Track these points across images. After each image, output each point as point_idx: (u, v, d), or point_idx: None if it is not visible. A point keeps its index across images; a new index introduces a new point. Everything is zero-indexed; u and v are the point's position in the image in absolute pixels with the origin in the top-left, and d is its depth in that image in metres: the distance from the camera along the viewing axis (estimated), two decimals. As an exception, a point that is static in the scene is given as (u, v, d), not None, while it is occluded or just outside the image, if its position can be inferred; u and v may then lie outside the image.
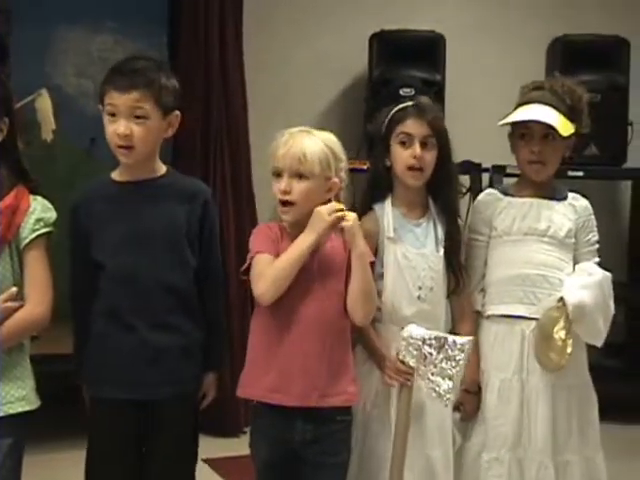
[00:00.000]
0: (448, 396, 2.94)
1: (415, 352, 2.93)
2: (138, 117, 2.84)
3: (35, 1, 6.29)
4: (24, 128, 5.29)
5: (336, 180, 2.92)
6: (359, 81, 6.22)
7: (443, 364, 2.92)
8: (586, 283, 3.17)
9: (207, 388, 3.05)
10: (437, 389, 2.93)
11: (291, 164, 2.85)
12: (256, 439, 2.98)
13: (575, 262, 3.27)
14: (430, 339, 2.92)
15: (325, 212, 2.81)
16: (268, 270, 2.84)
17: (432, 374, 2.93)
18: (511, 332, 3.22)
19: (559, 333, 3.11)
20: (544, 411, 3.17)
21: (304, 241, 2.82)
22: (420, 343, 2.93)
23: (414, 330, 2.95)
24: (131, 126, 2.84)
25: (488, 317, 3.27)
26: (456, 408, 3.20)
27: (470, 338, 2.98)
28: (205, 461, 3.09)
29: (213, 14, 5.56)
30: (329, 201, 2.90)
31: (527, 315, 3.19)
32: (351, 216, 2.87)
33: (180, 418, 2.95)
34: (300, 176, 2.85)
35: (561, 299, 3.14)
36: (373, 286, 2.96)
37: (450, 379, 2.91)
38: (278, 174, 2.88)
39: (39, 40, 6.35)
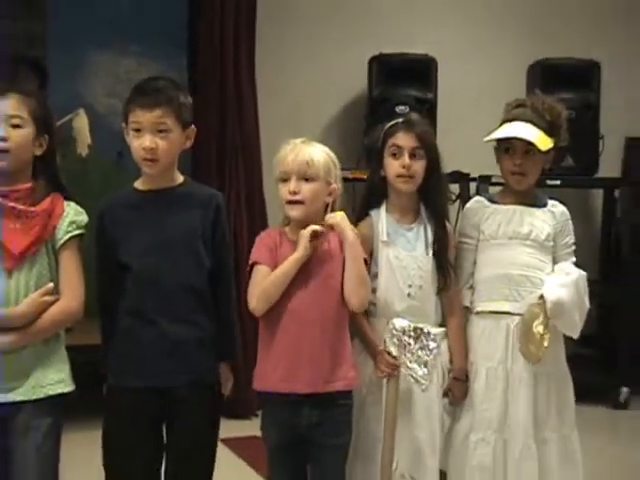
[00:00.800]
0: (424, 381, 2.99)
1: (397, 342, 2.98)
2: (161, 132, 2.84)
3: (68, 29, 6.31)
4: (61, 143, 5.35)
5: (335, 186, 2.96)
6: (359, 99, 6.23)
7: (419, 352, 2.98)
8: (564, 282, 3.17)
9: (224, 377, 3.03)
10: (414, 375, 2.98)
11: (299, 168, 2.89)
12: (267, 424, 2.99)
13: (554, 262, 3.27)
14: (409, 330, 2.98)
15: (305, 232, 2.84)
16: (259, 286, 2.89)
17: (410, 361, 2.98)
18: (497, 326, 3.21)
19: (538, 327, 3.12)
20: (526, 396, 3.17)
21: (293, 258, 2.86)
22: (401, 334, 2.98)
23: (397, 322, 2.99)
24: (155, 140, 2.84)
25: (477, 313, 3.26)
26: (445, 394, 3.19)
27: (442, 329, 3.06)
28: (222, 441, 3.08)
29: (228, 40, 5.57)
30: (327, 205, 2.95)
31: (511, 311, 3.19)
32: (339, 214, 2.93)
33: (197, 404, 2.92)
34: (307, 179, 2.89)
35: (541, 296, 3.15)
36: (365, 273, 2.97)
37: (425, 366, 2.97)
38: (286, 179, 2.90)
39: (72, 63, 6.38)
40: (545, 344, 3.12)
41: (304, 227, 2.90)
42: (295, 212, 2.91)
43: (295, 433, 2.92)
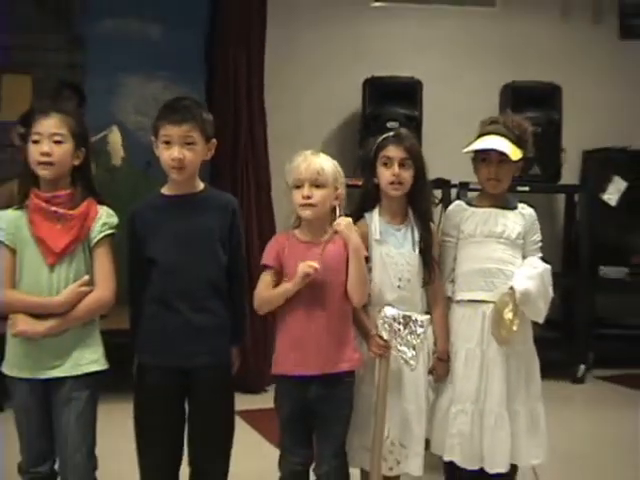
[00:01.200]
0: (412, 362, 2.97)
1: (388, 328, 2.96)
2: (188, 144, 2.85)
3: (102, 57, 6.31)
4: (96, 156, 5.34)
5: (341, 191, 2.97)
6: (355, 116, 6.21)
7: (408, 337, 2.96)
8: (531, 274, 3.17)
9: (234, 359, 3.06)
10: (404, 356, 2.97)
11: (311, 176, 2.90)
12: (280, 399, 3.00)
13: (523, 257, 3.26)
14: (399, 317, 2.96)
15: (300, 270, 2.84)
16: (261, 295, 2.94)
17: (400, 345, 2.96)
18: (475, 313, 3.20)
19: (508, 314, 3.11)
20: (499, 372, 3.17)
21: (286, 289, 2.89)
22: (392, 321, 2.96)
23: (388, 311, 2.98)
24: (183, 151, 2.84)
25: (457, 302, 3.26)
26: (430, 372, 3.19)
27: (428, 317, 3.02)
28: (236, 413, 3.07)
29: (241, 66, 5.57)
30: (334, 208, 2.97)
31: (487, 299, 3.19)
32: (345, 220, 2.95)
33: (215, 381, 2.94)
34: (318, 185, 2.89)
35: (511, 287, 3.14)
36: (366, 273, 2.98)
37: (414, 349, 2.95)
38: (299, 185, 2.91)
39: (107, 87, 6.37)
40: (514, 329, 3.11)
41: (315, 227, 2.95)
42: (308, 213, 2.92)
43: (304, 406, 2.94)
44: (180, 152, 2.84)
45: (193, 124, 2.85)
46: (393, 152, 3.10)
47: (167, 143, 2.86)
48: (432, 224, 3.22)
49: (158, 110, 2.94)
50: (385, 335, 2.97)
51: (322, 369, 2.91)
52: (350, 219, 2.98)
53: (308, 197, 2.90)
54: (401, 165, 3.08)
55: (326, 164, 2.94)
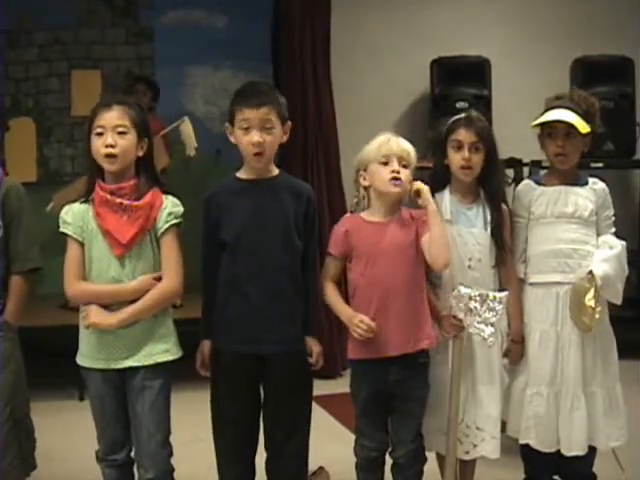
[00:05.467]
0: (491, 339, 2.93)
1: (463, 307, 2.92)
2: (267, 128, 2.84)
3: (170, 48, 6.39)
4: (169, 146, 5.41)
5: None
6: (423, 98, 6.19)
7: (486, 314, 2.91)
8: (607, 256, 3.09)
9: (310, 347, 2.98)
10: (482, 334, 2.93)
11: (402, 153, 2.92)
12: (358, 382, 2.99)
13: (597, 234, 3.19)
14: (475, 296, 2.92)
15: (350, 323, 2.89)
16: (327, 294, 3.00)
17: (477, 322, 2.92)
18: (548, 294, 3.14)
19: (590, 301, 3.03)
20: (575, 353, 3.11)
21: (341, 312, 2.95)
22: (467, 299, 2.92)
23: (462, 290, 2.93)
24: (263, 135, 2.83)
25: (530, 284, 3.20)
26: (505, 355, 3.14)
27: (506, 293, 2.97)
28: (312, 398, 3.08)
29: (306, 50, 5.57)
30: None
31: (561, 281, 3.12)
32: (424, 187, 2.94)
33: (288, 367, 2.91)
34: (404, 165, 2.91)
35: (590, 272, 3.06)
36: (447, 236, 2.94)
37: (492, 325, 2.92)
38: (386, 162, 2.91)
39: (175, 78, 6.44)
40: (597, 316, 3.04)
41: (387, 207, 2.95)
42: (396, 189, 2.91)
43: (382, 389, 2.94)
44: (260, 136, 2.82)
45: (271, 107, 2.84)
46: (464, 136, 3.05)
47: (246, 129, 2.84)
48: (504, 205, 3.16)
49: (233, 95, 2.92)
50: (460, 314, 2.93)
51: (402, 349, 2.89)
52: (427, 188, 2.94)
53: (397, 172, 2.90)
54: (471, 149, 3.04)
55: (409, 146, 2.96)
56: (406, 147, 2.94)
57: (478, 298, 2.92)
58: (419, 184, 2.94)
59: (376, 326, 2.86)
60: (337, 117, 5.70)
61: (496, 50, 6.07)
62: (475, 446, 3.07)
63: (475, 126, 3.07)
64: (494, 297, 2.92)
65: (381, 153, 2.92)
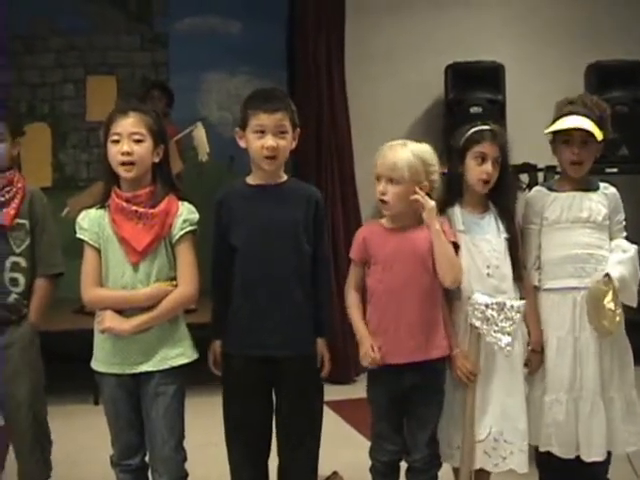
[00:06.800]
0: (508, 348, 2.93)
1: (480, 315, 2.91)
2: (281, 133, 2.85)
3: (185, 54, 6.42)
4: (183, 151, 5.42)
5: (426, 183, 2.91)
6: (437, 103, 6.18)
7: (503, 323, 2.91)
8: (622, 259, 3.09)
9: (321, 351, 2.98)
10: (499, 343, 2.93)
11: (385, 172, 2.88)
12: (374, 388, 3.00)
13: (610, 238, 3.17)
14: (492, 304, 2.91)
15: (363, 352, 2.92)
16: (349, 307, 3.01)
17: (494, 332, 2.91)
18: (564, 300, 3.12)
19: (609, 304, 3.01)
20: (593, 359, 3.09)
21: (357, 330, 2.97)
22: (484, 308, 2.91)
23: (479, 298, 2.92)
24: (277, 140, 2.84)
25: (546, 290, 3.17)
26: (525, 364, 3.12)
27: (523, 302, 2.96)
28: (325, 403, 3.08)
29: (321, 56, 5.60)
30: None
31: (577, 286, 3.10)
32: (430, 203, 2.91)
33: (299, 371, 2.92)
34: (392, 181, 2.87)
35: (607, 275, 3.04)
36: (453, 254, 2.93)
37: (509, 335, 2.91)
38: (378, 178, 2.91)
39: (191, 83, 6.46)
40: (617, 319, 3.03)
41: (397, 217, 2.94)
42: (384, 211, 2.94)
43: (398, 394, 2.94)
44: (274, 140, 2.83)
45: (285, 113, 2.86)
46: (489, 149, 3.01)
47: (260, 132, 2.85)
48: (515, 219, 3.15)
49: (246, 100, 2.93)
50: (477, 323, 2.92)
51: (412, 357, 2.89)
52: (434, 203, 2.92)
53: (382, 193, 2.90)
54: (494, 163, 3.01)
55: (402, 158, 2.88)
56: (391, 162, 2.87)
57: (495, 307, 2.91)
58: (427, 202, 2.90)
59: (390, 333, 2.89)
60: (351, 122, 5.72)
61: (510, 55, 6.07)
62: (504, 459, 3.03)
63: (500, 141, 3.05)
64: (512, 306, 2.92)
65: (376, 169, 2.93)
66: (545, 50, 6.41)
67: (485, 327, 2.92)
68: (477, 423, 2.99)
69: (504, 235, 3.07)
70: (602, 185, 3.24)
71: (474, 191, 3.08)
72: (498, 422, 3.02)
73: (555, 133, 3.18)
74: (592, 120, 3.11)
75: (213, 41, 6.46)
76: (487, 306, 2.91)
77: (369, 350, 2.90)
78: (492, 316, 2.91)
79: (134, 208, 2.79)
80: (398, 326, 2.89)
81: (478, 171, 3.02)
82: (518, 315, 2.91)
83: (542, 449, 3.15)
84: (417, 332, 2.90)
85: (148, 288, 2.79)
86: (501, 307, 2.91)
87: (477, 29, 6.31)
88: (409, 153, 2.90)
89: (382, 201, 2.91)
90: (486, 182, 3.03)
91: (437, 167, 2.96)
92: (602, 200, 3.19)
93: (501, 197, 3.09)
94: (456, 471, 3.13)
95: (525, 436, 3.05)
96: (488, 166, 3.00)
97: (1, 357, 3.10)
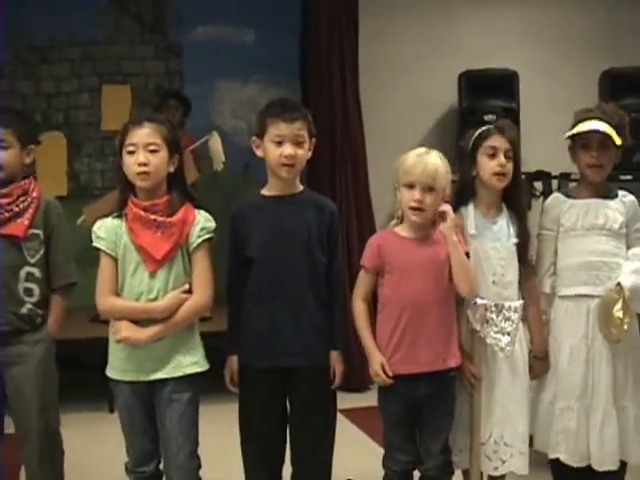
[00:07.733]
0: (508, 348, 2.95)
1: (479, 317, 2.94)
2: (299, 142, 2.87)
3: (198, 63, 6.44)
4: (198, 160, 5.44)
5: (447, 192, 2.92)
6: (451, 111, 6.19)
7: (502, 324, 2.94)
8: (637, 268, 3.08)
9: (334, 363, 2.98)
10: (499, 344, 2.95)
11: (426, 180, 2.84)
12: (387, 397, 2.97)
13: (627, 247, 3.16)
14: (491, 306, 2.94)
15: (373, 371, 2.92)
16: (356, 318, 2.98)
17: (494, 332, 2.94)
18: (578, 307, 3.13)
19: (618, 313, 3.02)
20: (606, 368, 3.09)
21: (365, 343, 2.95)
22: (483, 310, 2.93)
23: (478, 300, 2.95)
24: (295, 149, 2.86)
25: (560, 297, 3.17)
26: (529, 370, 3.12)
27: (521, 302, 2.98)
28: (340, 411, 3.08)
29: (334, 65, 5.60)
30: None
31: (591, 293, 3.10)
32: (451, 215, 2.89)
33: (313, 381, 2.92)
34: (431, 189, 2.85)
35: (619, 283, 3.04)
36: (467, 264, 2.92)
37: (508, 335, 2.94)
38: (411, 186, 2.86)
39: (205, 92, 6.48)
40: (625, 327, 3.03)
41: (419, 227, 2.92)
42: (417, 218, 2.89)
43: (412, 403, 2.93)
44: (293, 149, 2.85)
45: (303, 122, 2.88)
46: (499, 142, 3.01)
47: (278, 142, 2.87)
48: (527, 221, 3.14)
49: (264, 109, 2.94)
50: (477, 326, 2.94)
51: (430, 366, 2.88)
52: (453, 216, 2.90)
53: (420, 201, 2.86)
54: (506, 156, 3.01)
55: (440, 166, 2.87)
56: (433, 171, 2.85)
57: (494, 308, 2.94)
58: (448, 212, 2.89)
59: (408, 342, 2.88)
60: (365, 131, 5.71)
61: (524, 63, 6.07)
62: (504, 462, 3.04)
63: (509, 133, 3.04)
64: (510, 306, 2.94)
65: (405, 177, 2.88)
66: (559, 57, 6.42)
67: (485, 329, 2.94)
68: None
69: (513, 240, 3.06)
70: (620, 193, 3.24)
71: (489, 190, 3.06)
72: (499, 425, 3.02)
73: (574, 139, 3.18)
74: (610, 125, 3.11)
75: (227, 50, 6.48)
76: (486, 308, 2.94)
77: (380, 372, 2.89)
78: (492, 318, 2.94)
79: (152, 217, 2.80)
80: (415, 336, 2.88)
81: (491, 165, 3.01)
82: (516, 315, 2.94)
83: (551, 456, 3.16)
84: (436, 342, 2.89)
85: (163, 301, 2.79)
86: (499, 308, 2.94)
87: (491, 37, 6.32)
88: (439, 160, 2.90)
89: (417, 209, 2.86)
90: (501, 176, 3.01)
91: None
92: (620, 208, 3.18)
93: (515, 197, 3.09)
94: (465, 473, 3.13)
95: (525, 438, 3.06)
96: (500, 158, 3.00)
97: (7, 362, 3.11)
